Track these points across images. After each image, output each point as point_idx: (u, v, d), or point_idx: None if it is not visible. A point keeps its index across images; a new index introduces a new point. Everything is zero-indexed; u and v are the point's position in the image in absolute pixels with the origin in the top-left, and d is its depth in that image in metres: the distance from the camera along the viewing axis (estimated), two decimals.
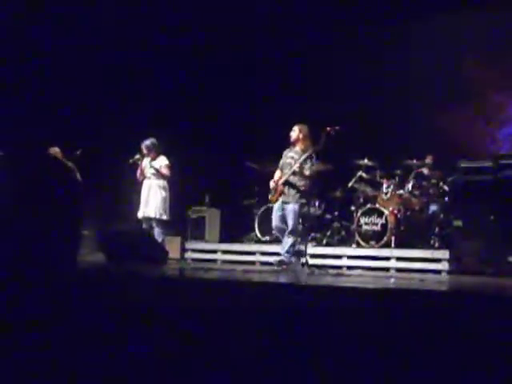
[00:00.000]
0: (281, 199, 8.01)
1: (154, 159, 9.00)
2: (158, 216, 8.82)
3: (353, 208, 9.89)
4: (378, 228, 9.30)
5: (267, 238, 10.41)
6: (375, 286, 4.99)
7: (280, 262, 7.85)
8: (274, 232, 8.27)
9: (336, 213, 10.25)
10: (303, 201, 8.01)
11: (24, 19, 10.19)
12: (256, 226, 10.54)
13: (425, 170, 9.78)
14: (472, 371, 2.89)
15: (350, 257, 9.33)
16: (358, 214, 9.53)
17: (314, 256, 8.67)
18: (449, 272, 8.53)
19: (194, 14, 11.11)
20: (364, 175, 9.85)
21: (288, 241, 7.94)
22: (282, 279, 5.95)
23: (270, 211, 10.51)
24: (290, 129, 8.21)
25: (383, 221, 9.26)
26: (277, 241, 10.26)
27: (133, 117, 10.68)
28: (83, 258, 7.79)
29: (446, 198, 9.54)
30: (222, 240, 11.15)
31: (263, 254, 10.15)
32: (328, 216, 10.26)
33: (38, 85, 10.28)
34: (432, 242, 9.38)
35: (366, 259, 9.21)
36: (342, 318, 3.23)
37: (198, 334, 3.35)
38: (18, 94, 10.07)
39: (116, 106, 10.89)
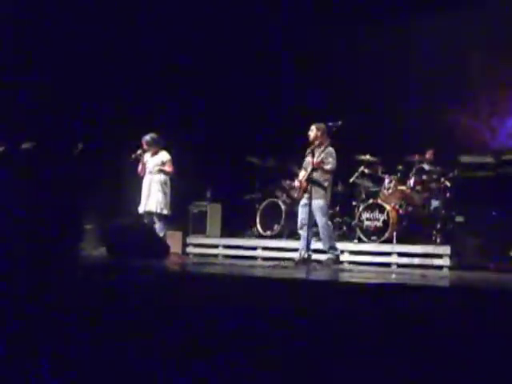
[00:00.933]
0: (305, 196, 8.08)
1: (154, 154, 8.98)
2: (158, 211, 8.82)
3: (354, 203, 9.89)
4: (379, 223, 9.30)
5: (268, 232, 10.42)
6: (376, 282, 5.00)
7: (303, 260, 7.92)
8: (298, 230, 8.31)
9: (337, 208, 10.25)
10: (327, 197, 8.14)
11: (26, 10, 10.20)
12: (257, 220, 10.55)
13: (425, 166, 9.76)
14: (473, 366, 2.89)
15: (351, 252, 9.34)
16: (360, 209, 9.53)
17: (315, 251, 8.67)
18: (450, 267, 8.53)
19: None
20: (366, 170, 9.85)
21: (324, 237, 8.10)
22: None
23: (271, 206, 10.57)
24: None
25: (385, 216, 9.26)
26: (278, 236, 10.32)
27: (134, 111, 10.68)
28: (85, 252, 7.83)
29: (448, 194, 9.53)
30: (223, 235, 11.16)
31: (264, 248, 10.17)
32: (330, 211, 10.25)
33: (37, 79, 10.28)
34: (433, 237, 9.38)
35: (368, 254, 9.21)
36: (343, 313, 3.23)
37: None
38: (19, 88, 10.08)
39: (117, 101, 10.88)
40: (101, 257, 7.67)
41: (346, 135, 7.99)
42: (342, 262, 8.37)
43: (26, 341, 3.48)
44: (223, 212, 11.29)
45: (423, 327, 3.04)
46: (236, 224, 11.29)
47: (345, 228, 10.21)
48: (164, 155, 8.98)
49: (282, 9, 11.16)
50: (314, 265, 7.85)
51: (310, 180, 8.03)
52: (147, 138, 8.96)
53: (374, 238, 9.32)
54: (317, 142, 8.13)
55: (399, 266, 8.85)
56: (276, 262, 8.25)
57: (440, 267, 8.60)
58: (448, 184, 9.49)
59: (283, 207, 10.31)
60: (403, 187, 9.58)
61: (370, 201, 9.56)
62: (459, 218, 8.93)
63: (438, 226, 9.45)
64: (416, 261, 8.80)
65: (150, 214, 8.88)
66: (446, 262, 8.63)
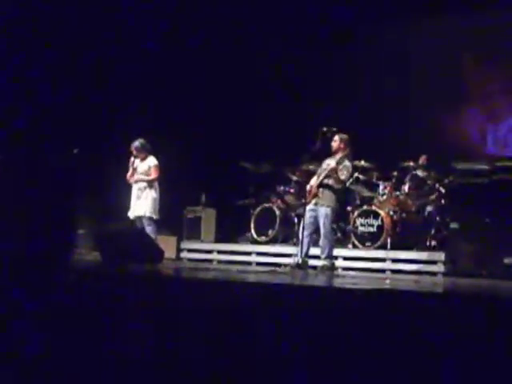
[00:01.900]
0: (314, 201, 8.08)
1: (143, 160, 9.00)
2: (148, 214, 8.82)
3: (349, 209, 9.88)
4: (373, 229, 9.30)
5: (263, 238, 10.40)
6: (370, 288, 4.99)
7: (297, 266, 7.92)
8: (299, 234, 8.30)
9: None
10: (336, 205, 8.15)
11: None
12: (252, 226, 10.53)
13: (419, 172, 9.77)
14: (467, 372, 2.89)
15: (345, 258, 9.33)
16: (354, 215, 9.53)
17: (310, 257, 8.66)
18: (444, 274, 8.53)
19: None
20: (360, 176, 9.84)
21: (325, 245, 8.08)
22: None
23: (265, 212, 10.56)
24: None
25: (379, 222, 9.26)
26: (272, 241, 10.31)
27: (128, 117, 10.67)
28: (79, 257, 7.80)
29: (442, 200, 9.53)
30: (217, 240, 11.14)
31: (259, 254, 10.16)
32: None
33: (37, 83, 10.27)
34: (428, 243, 9.38)
35: (362, 260, 9.21)
36: (337, 319, 3.23)
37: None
38: (18, 93, 10.07)
39: (112, 106, 10.88)
40: (94, 261, 7.64)
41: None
42: (336, 269, 8.37)
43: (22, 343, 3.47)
44: (218, 217, 11.28)
45: (417, 334, 3.03)
46: (230, 229, 11.27)
47: (339, 234, 10.20)
48: (151, 160, 9.01)
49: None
50: (309, 271, 7.86)
51: (321, 186, 8.05)
52: (136, 143, 8.99)
53: (368, 244, 9.32)
54: (340, 152, 8.17)
55: (393, 272, 8.84)
56: (272, 268, 8.25)
57: (434, 273, 8.60)
58: (442, 190, 9.49)
59: (277, 213, 10.29)
60: (398, 193, 9.59)
61: (365, 207, 9.56)
62: (453, 225, 8.94)
63: (433, 232, 9.45)
64: (410, 267, 8.81)
65: (139, 218, 8.88)
66: (440, 268, 8.63)
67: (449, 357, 2.92)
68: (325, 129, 8.09)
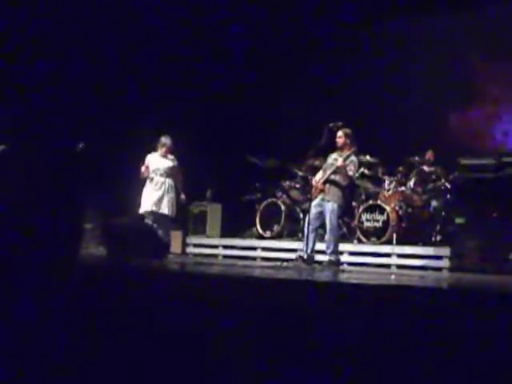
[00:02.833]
0: (320, 196, 8.07)
1: (164, 156, 8.89)
2: (170, 213, 8.79)
3: (354, 204, 9.88)
4: (379, 224, 9.30)
5: (268, 233, 10.41)
6: (376, 283, 5.00)
7: (302, 260, 7.92)
8: (305, 229, 8.28)
9: None
10: (343, 201, 8.11)
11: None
12: (257, 221, 10.54)
13: (425, 167, 9.75)
14: (472, 369, 2.89)
15: (351, 253, 9.33)
16: (360, 210, 9.52)
17: (316, 252, 8.67)
18: (450, 269, 8.52)
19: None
20: (366, 172, 9.84)
21: (330, 240, 8.05)
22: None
23: (271, 207, 10.57)
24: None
25: (385, 217, 9.25)
26: (277, 236, 10.32)
27: (135, 111, 10.68)
28: (85, 252, 7.82)
29: (448, 195, 9.52)
30: (223, 235, 11.16)
31: (264, 249, 10.17)
32: None
33: (41, 78, 10.28)
34: (433, 239, 9.37)
35: (367, 256, 9.21)
36: (342, 314, 3.23)
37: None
38: (23, 89, 10.08)
39: (120, 102, 10.88)
40: (100, 256, 7.66)
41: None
42: (342, 264, 8.37)
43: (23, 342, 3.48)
44: (223, 212, 11.30)
45: (422, 329, 3.03)
46: (236, 224, 11.29)
47: (344, 229, 10.20)
48: (174, 160, 8.93)
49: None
50: (315, 266, 7.86)
51: (328, 182, 8.03)
52: (169, 141, 8.86)
53: (373, 239, 9.32)
54: (346, 148, 8.13)
55: (399, 267, 8.85)
56: (277, 263, 8.25)
57: (439, 269, 8.60)
58: (448, 185, 9.48)
59: (283, 208, 10.30)
60: (403, 188, 9.58)
61: (370, 202, 9.55)
62: (459, 220, 8.92)
63: (438, 227, 9.44)
64: (415, 262, 8.81)
65: (160, 215, 8.77)
66: (445, 263, 8.62)
67: (454, 352, 2.92)
68: (330, 124, 8.07)
